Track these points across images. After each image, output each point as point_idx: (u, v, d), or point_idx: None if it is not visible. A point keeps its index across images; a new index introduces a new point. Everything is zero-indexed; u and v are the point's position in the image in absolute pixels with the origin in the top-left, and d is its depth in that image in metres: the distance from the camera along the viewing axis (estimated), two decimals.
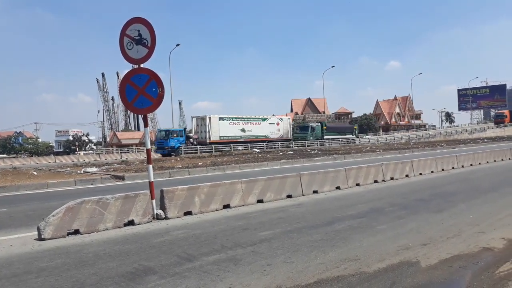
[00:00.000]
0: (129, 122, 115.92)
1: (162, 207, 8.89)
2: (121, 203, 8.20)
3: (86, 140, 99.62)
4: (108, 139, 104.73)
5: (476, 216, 8.49)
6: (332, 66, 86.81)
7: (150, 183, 8.81)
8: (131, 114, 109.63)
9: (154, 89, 8.65)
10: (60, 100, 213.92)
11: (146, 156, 9.62)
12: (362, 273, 5.14)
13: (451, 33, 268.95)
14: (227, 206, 10.06)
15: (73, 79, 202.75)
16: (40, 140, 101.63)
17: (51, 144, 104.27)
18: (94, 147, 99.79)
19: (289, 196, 11.54)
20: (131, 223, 8.29)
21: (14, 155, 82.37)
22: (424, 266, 5.36)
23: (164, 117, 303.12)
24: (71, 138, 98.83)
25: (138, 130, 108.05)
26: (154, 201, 8.72)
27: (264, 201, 10.87)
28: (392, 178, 15.35)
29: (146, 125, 9.48)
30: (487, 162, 22.51)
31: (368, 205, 10.17)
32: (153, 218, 8.67)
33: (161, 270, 5.51)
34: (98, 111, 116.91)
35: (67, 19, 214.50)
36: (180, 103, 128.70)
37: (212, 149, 48.46)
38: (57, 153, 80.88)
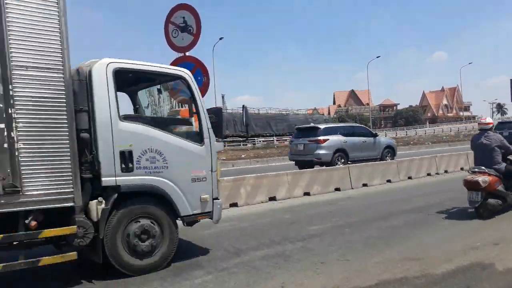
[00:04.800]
0: None
1: None
2: None
3: None
4: None
5: None
6: (378, 57, 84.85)
7: None
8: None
9: (199, 78, 8.38)
10: None
11: None
12: (428, 275, 4.59)
13: (501, 22, 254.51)
14: (273, 198, 9.79)
15: None
16: None
17: None
18: None
19: (337, 189, 11.13)
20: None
21: None
22: (501, 269, 4.72)
23: None
24: None
25: None
26: None
27: (310, 193, 10.55)
28: (446, 171, 14.48)
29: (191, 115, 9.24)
30: None
31: (424, 199, 9.54)
32: None
33: (208, 264, 5.24)
34: None
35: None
36: (223, 97, 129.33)
37: (255, 141, 48.26)
38: None
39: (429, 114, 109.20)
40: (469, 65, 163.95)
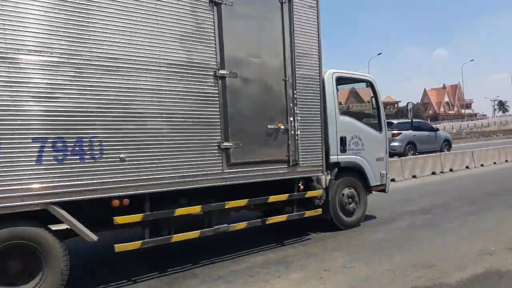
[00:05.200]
0: None
1: None
2: None
3: None
4: None
5: None
6: (379, 54, 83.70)
7: None
8: None
9: None
10: None
11: None
12: (443, 284, 4.21)
13: (502, 20, 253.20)
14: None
15: None
16: None
17: None
18: None
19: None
20: None
21: None
22: None
23: None
24: None
25: None
26: None
27: None
28: (451, 170, 14.12)
29: None
30: None
31: (430, 199, 9.23)
32: None
33: (202, 273, 4.83)
34: None
35: None
36: None
37: None
38: None
39: (430, 112, 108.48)
40: (470, 62, 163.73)
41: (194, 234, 4.93)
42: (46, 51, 3.89)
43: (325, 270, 4.75)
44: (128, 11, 4.34)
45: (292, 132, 5.64)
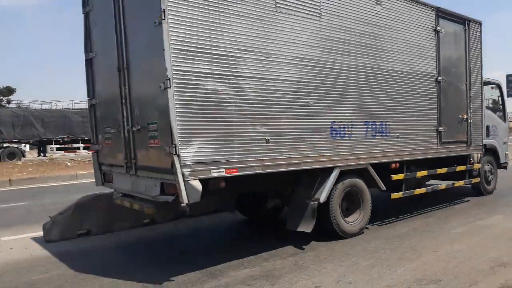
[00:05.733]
0: None
1: None
2: None
3: None
4: None
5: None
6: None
7: None
8: None
9: None
10: None
11: None
12: None
13: (494, 17, 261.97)
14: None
15: None
16: None
17: None
18: None
19: None
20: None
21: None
22: None
23: None
24: None
25: None
26: None
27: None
28: None
29: None
30: None
31: (429, 199, 8.29)
32: None
33: None
34: None
35: None
36: None
37: None
38: None
39: None
40: None
41: (422, 190, 7.19)
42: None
43: (317, 287, 4.18)
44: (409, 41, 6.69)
45: (469, 121, 7.90)
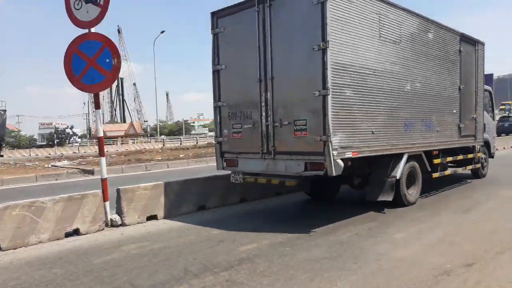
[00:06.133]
0: (115, 114, 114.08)
1: (119, 210, 7.01)
2: (62, 207, 6.29)
3: (70, 133, 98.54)
4: (93, 132, 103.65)
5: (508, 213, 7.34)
6: None
7: (103, 181, 6.97)
8: (117, 105, 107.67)
9: (108, 60, 6.89)
10: (45, 93, 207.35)
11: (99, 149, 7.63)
12: None
13: (484, 16, 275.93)
14: (202, 207, 8.10)
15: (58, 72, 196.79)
16: (22, 133, 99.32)
17: (34, 137, 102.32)
18: (79, 140, 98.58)
19: None
20: (76, 232, 6.45)
21: None
22: None
23: (152, 109, 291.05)
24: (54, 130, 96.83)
25: (124, 122, 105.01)
26: (107, 203, 6.82)
27: (247, 199, 8.86)
28: None
29: (98, 106, 7.53)
30: None
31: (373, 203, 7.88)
32: (106, 225, 6.81)
33: None
34: (84, 103, 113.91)
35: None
36: (167, 95, 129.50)
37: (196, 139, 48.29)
38: (40, 146, 79.19)
39: None
40: None
41: (448, 172, 9.60)
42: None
43: None
44: (445, 59, 8.87)
45: (476, 120, 10.26)
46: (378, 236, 5.96)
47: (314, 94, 6.05)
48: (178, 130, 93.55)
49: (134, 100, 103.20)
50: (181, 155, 24.09)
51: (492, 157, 12.19)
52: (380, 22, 7.01)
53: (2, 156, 31.04)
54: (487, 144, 11.63)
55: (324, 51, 5.94)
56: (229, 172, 7.70)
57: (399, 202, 7.71)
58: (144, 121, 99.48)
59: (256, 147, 7.00)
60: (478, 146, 10.80)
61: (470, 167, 10.46)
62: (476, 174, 11.25)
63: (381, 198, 7.43)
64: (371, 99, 6.84)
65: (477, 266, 4.55)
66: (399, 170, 7.46)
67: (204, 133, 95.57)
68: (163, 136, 55.98)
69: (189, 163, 19.40)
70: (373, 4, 6.88)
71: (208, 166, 16.70)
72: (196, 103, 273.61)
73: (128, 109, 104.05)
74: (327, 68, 5.93)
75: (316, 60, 6.02)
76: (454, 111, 9.34)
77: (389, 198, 7.42)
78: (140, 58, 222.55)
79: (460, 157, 9.85)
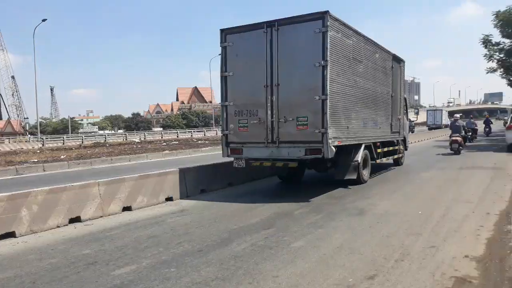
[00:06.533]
0: None
1: None
2: None
3: None
4: None
5: (404, 217, 6.80)
6: (219, 54, 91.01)
7: None
8: None
9: None
10: None
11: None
12: None
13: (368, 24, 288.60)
14: (76, 220, 7.15)
15: None
16: None
17: None
18: None
19: (169, 199, 8.93)
20: None
21: None
22: None
23: (32, 105, 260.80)
24: None
25: (0, 119, 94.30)
26: None
27: (133, 208, 8.10)
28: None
29: None
30: None
31: (272, 207, 7.97)
32: None
33: None
34: None
35: None
36: (52, 90, 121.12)
37: (82, 138, 46.30)
38: None
39: None
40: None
41: (385, 159, 12.48)
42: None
43: None
44: (384, 73, 11.65)
45: (401, 120, 13.37)
46: (274, 247, 5.36)
47: (315, 98, 8.29)
48: (63, 128, 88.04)
49: (13, 94, 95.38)
50: (62, 156, 22.50)
51: (407, 149, 15.55)
52: (352, 47, 9.50)
53: None
54: (404, 140, 14.86)
55: (324, 67, 8.22)
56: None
57: (358, 180, 10.16)
58: (25, 118, 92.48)
59: (261, 138, 9.02)
60: (400, 140, 13.95)
61: (395, 156, 13.56)
62: (397, 163, 14.31)
63: (348, 177, 9.84)
64: (348, 103, 9.27)
65: (379, 279, 4.16)
66: (360, 156, 9.99)
67: (94, 132, 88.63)
68: (41, 135, 50.93)
69: (69, 166, 17.60)
70: (349, 35, 9.33)
71: (91, 170, 16.33)
72: (85, 99, 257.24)
73: (5, 104, 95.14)
74: (326, 79, 8.20)
75: (317, 73, 8.26)
76: (388, 113, 12.25)
77: (354, 176, 9.89)
78: (20, 48, 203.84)
79: (391, 148, 12.86)
